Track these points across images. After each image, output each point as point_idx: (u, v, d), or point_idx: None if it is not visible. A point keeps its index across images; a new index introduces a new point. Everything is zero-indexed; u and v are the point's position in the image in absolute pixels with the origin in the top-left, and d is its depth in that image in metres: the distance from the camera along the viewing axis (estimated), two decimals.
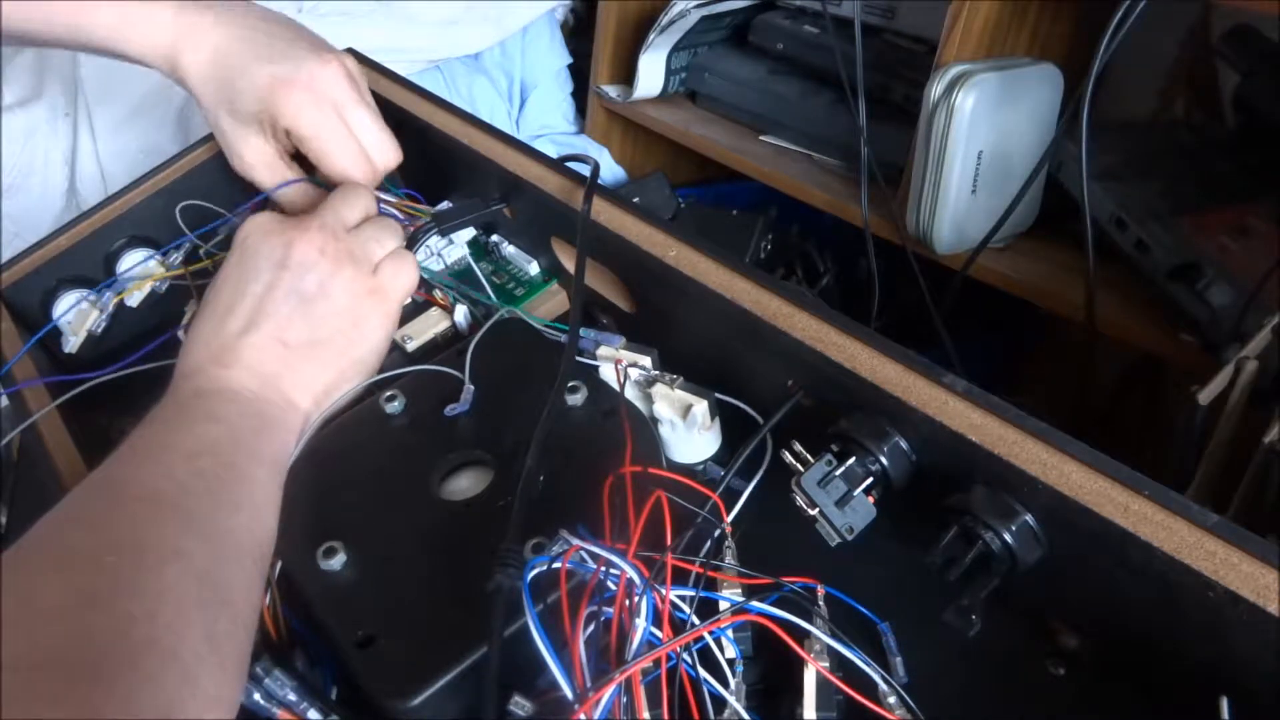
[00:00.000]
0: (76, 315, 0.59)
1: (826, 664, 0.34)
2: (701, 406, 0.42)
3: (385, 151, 0.57)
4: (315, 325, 0.45)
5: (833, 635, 0.35)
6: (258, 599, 0.37)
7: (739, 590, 0.36)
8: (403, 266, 0.49)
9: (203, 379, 0.43)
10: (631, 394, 0.45)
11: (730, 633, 0.35)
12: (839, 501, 0.37)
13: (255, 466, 0.40)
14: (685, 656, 0.33)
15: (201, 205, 0.61)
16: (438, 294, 0.54)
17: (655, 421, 0.44)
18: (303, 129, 0.54)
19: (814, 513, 0.37)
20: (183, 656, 0.31)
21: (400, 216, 0.59)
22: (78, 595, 0.31)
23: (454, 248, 0.58)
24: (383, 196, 0.57)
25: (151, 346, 0.53)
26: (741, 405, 0.44)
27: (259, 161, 0.57)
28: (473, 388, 0.45)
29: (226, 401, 0.42)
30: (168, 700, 0.29)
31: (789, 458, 0.39)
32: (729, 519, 0.39)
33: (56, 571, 0.32)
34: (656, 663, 0.32)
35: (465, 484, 0.43)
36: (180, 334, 0.54)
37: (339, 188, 0.52)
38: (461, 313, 0.53)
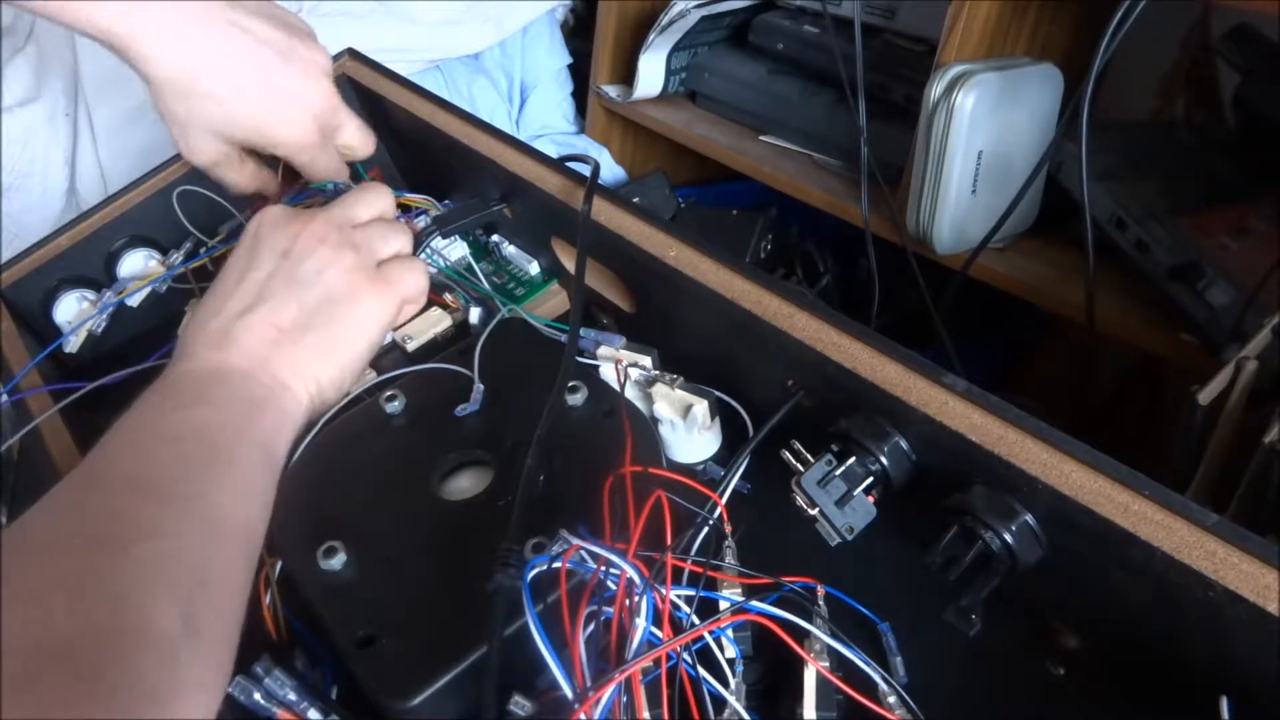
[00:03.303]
0: (77, 315, 0.59)
1: (826, 664, 0.34)
2: (702, 406, 0.42)
3: (363, 149, 0.58)
4: (309, 309, 0.45)
5: (833, 635, 0.35)
6: (243, 580, 0.36)
7: (739, 590, 0.36)
8: (411, 270, 0.49)
9: (195, 362, 0.43)
10: (632, 394, 0.45)
11: (730, 632, 0.35)
12: (839, 501, 0.37)
13: (243, 447, 0.40)
14: (685, 656, 0.33)
15: (202, 193, 0.61)
16: (446, 295, 0.54)
17: (655, 421, 0.44)
18: (283, 154, 0.56)
19: (814, 512, 0.37)
20: (154, 639, 0.30)
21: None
22: (46, 582, 0.30)
23: (454, 246, 0.58)
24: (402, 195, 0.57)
25: (157, 355, 0.53)
26: (737, 407, 0.44)
27: (243, 181, 0.57)
28: (482, 387, 0.45)
29: (216, 383, 0.42)
30: (145, 685, 0.29)
31: (789, 457, 0.39)
32: (729, 519, 0.39)
33: (31, 559, 0.32)
34: (656, 662, 0.32)
35: (465, 484, 0.43)
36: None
37: (357, 186, 0.53)
38: (475, 314, 0.53)
